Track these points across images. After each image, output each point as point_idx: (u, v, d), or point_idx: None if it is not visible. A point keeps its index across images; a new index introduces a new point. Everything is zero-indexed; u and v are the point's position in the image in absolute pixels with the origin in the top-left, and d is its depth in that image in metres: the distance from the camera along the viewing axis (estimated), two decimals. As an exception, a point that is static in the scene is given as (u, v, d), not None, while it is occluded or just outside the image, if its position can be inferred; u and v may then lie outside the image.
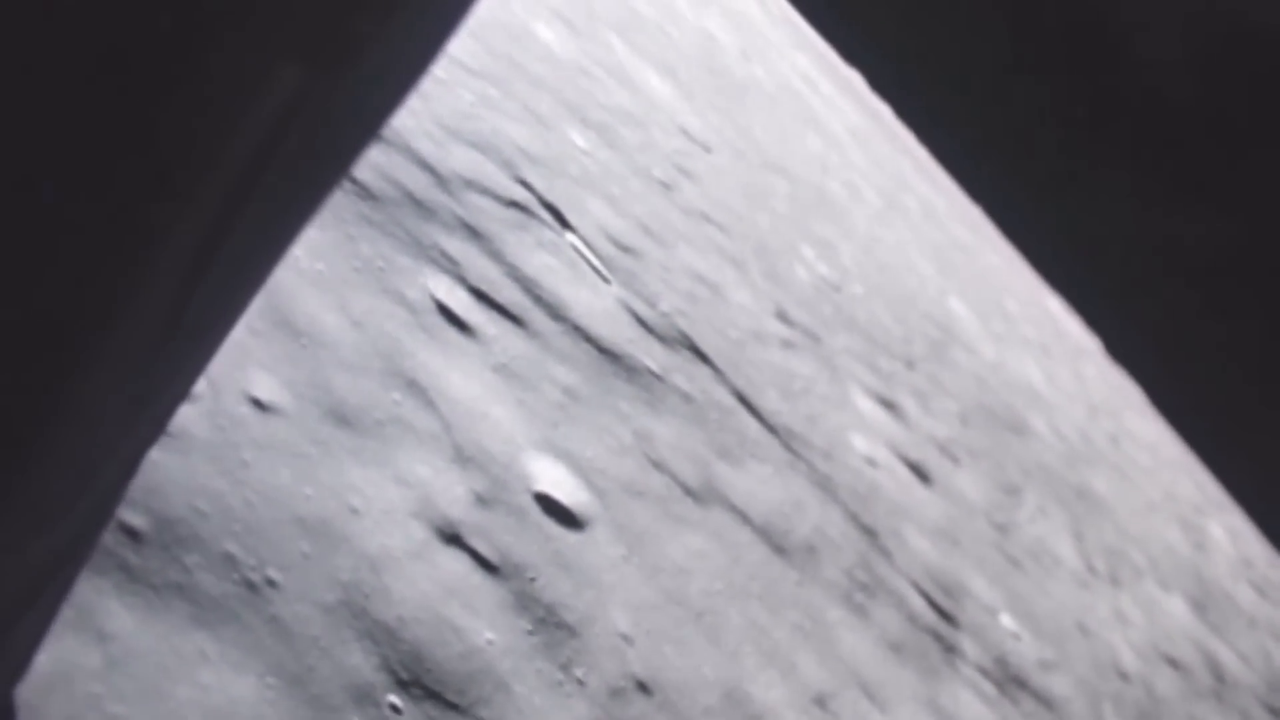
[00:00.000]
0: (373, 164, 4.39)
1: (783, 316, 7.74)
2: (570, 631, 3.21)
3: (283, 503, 2.68)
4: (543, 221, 5.39)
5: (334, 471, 2.90)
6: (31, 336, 1.06)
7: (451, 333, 3.91)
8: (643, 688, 3.30)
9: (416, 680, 2.62)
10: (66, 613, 2.05)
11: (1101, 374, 32.83)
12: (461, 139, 5.36)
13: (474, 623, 2.92)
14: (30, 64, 0.90)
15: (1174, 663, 9.97)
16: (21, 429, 1.13)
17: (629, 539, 3.82)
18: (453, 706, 2.68)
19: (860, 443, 7.07)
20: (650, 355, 5.21)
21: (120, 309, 1.09)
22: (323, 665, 2.44)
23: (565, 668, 3.09)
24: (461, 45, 6.47)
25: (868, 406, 7.90)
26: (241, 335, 2.98)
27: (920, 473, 7.75)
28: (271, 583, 2.48)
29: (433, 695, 2.64)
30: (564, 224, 5.62)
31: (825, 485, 5.91)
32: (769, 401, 6.14)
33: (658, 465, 4.40)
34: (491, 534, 3.23)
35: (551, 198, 5.74)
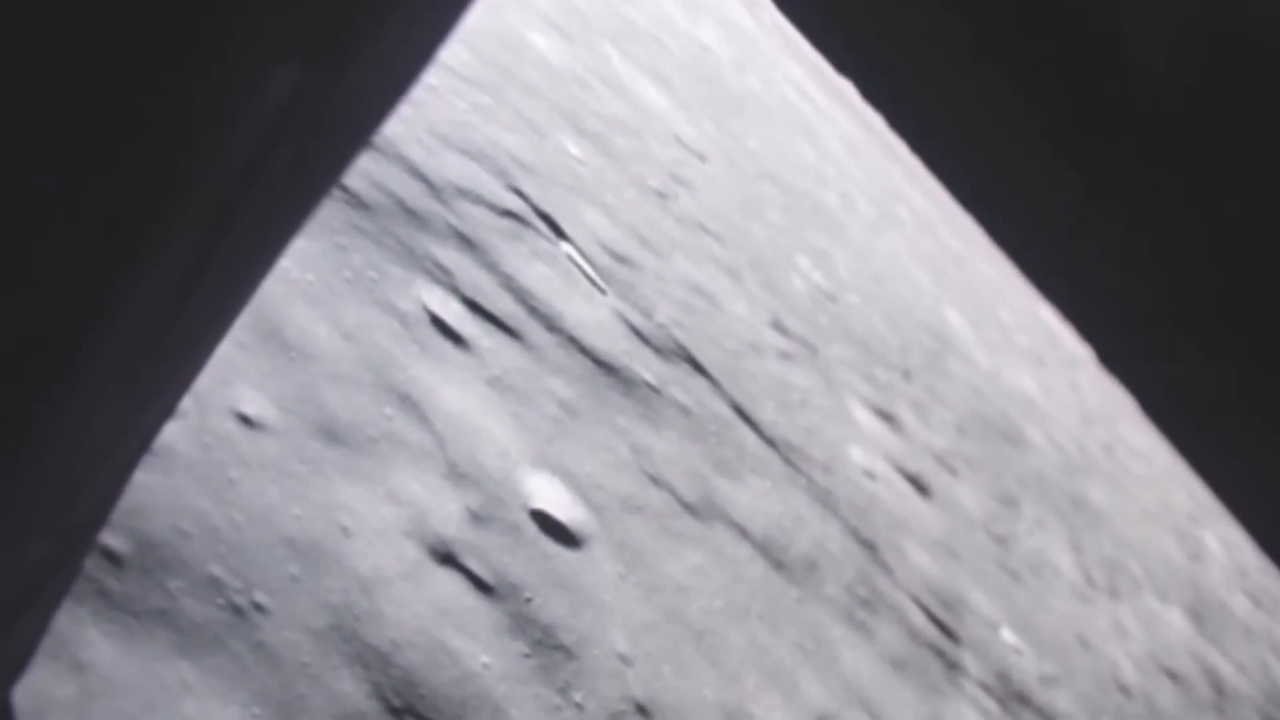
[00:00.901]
0: (364, 172, 4.30)
1: (779, 327, 7.65)
2: (568, 653, 3.12)
3: (270, 523, 2.59)
4: (537, 231, 5.30)
5: (324, 490, 2.80)
6: (29, 341, 1.05)
7: (445, 345, 3.81)
8: (642, 711, 3.21)
9: (410, 708, 2.52)
10: (41, 643, 1.95)
11: (1095, 383, 32.79)
12: (455, 147, 5.28)
13: (469, 645, 2.82)
14: (29, 64, 0.90)
15: (1174, 675, 9.89)
16: (19, 433, 1.12)
17: (627, 557, 3.72)
18: (447, 734, 2.58)
19: (858, 455, 6.98)
20: (647, 367, 5.12)
21: (118, 312, 1.09)
22: (312, 693, 2.35)
23: (563, 691, 3.00)
24: (454, 53, 6.38)
25: (865, 418, 7.82)
26: (228, 349, 2.88)
27: (919, 485, 7.67)
28: (259, 607, 2.39)
29: (426, 723, 2.55)
30: (559, 234, 5.53)
31: (824, 499, 5.82)
32: (767, 414, 6.05)
33: (656, 480, 4.30)
34: (486, 553, 3.13)
35: (546, 207, 5.65)
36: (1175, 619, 12.22)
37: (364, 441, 3.06)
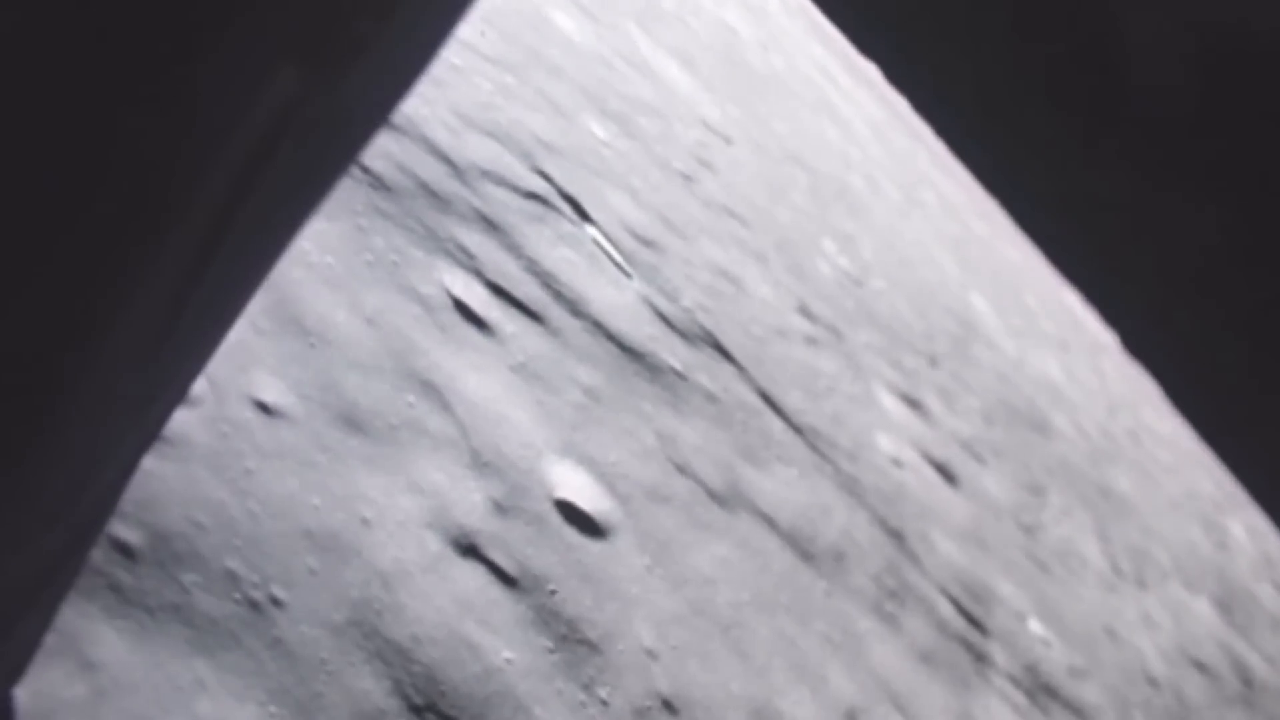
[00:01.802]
0: (386, 153, 4.22)
1: (805, 312, 7.55)
2: (593, 648, 3.04)
3: (289, 514, 2.51)
4: (562, 214, 5.21)
5: (344, 480, 2.72)
6: (32, 338, 1.05)
7: (468, 330, 3.73)
8: (669, 707, 3.13)
9: (431, 705, 2.45)
10: (49, 640, 1.88)
11: (1119, 369, 32.55)
12: (478, 128, 5.18)
13: (492, 640, 2.74)
14: (28, 64, 0.89)
15: (1202, 667, 9.77)
16: (22, 430, 1.12)
17: (653, 548, 3.64)
18: (469, 733, 2.50)
19: (885, 442, 6.88)
20: (673, 353, 5.03)
21: (120, 309, 1.08)
22: (331, 691, 2.27)
23: (588, 687, 2.92)
24: (478, 33, 6.28)
25: (892, 405, 7.71)
26: (246, 335, 2.80)
27: (946, 473, 7.56)
28: (276, 601, 2.31)
29: (448, 721, 2.47)
30: (584, 216, 5.44)
31: (851, 487, 5.73)
32: (793, 400, 5.96)
33: (682, 469, 4.22)
34: (510, 544, 3.05)
35: (571, 189, 5.56)
36: (1203, 609, 12.08)
37: (385, 430, 2.98)
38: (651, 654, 3.23)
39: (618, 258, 5.34)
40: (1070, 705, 6.18)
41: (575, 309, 4.51)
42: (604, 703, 2.92)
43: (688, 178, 7.66)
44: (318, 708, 2.21)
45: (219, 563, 2.26)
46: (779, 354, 6.37)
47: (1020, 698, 5.59)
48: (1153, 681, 8.03)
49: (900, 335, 9.64)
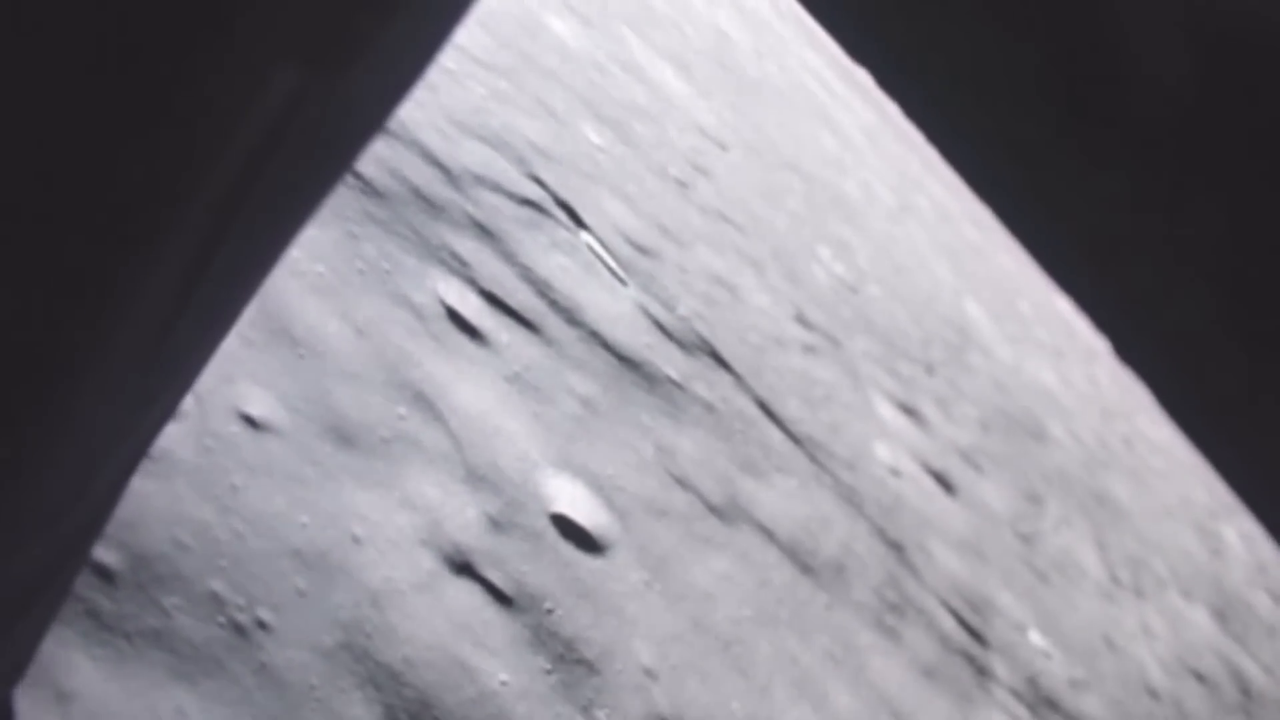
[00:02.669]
0: (378, 158, 4.12)
1: (802, 319, 7.47)
2: (590, 668, 2.94)
3: (276, 533, 2.42)
4: (557, 220, 5.12)
5: (334, 496, 2.63)
6: (28, 339, 1.04)
7: (462, 340, 3.64)
8: (669, 729, 3.04)
9: (424, 732, 2.35)
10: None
11: (1112, 376, 32.52)
12: (472, 133, 5.10)
13: (487, 662, 2.65)
14: (27, 64, 0.89)
15: (1201, 677, 9.69)
16: (18, 431, 1.11)
17: (652, 563, 3.55)
18: (464, 760, 2.41)
19: (883, 452, 6.80)
20: (670, 362, 4.94)
21: (118, 312, 1.08)
22: (320, 718, 2.18)
23: (586, 709, 2.82)
24: (472, 37, 6.20)
25: (890, 414, 7.63)
26: (232, 345, 2.71)
27: (944, 482, 7.48)
28: (262, 625, 2.22)
29: (442, 748, 2.38)
30: (579, 223, 5.35)
31: (850, 498, 5.64)
32: (791, 410, 5.87)
33: (680, 482, 4.12)
34: (505, 561, 2.96)
35: (566, 195, 5.47)
36: (1200, 618, 12.01)
37: (376, 443, 2.89)
38: (650, 673, 3.14)
39: (613, 265, 5.26)
40: (1072, 718, 6.10)
41: (571, 317, 4.42)
42: (602, 725, 2.83)
43: (683, 184, 7.57)
44: (306, 736, 2.12)
45: (202, 585, 2.17)
46: (776, 362, 6.29)
47: (1022, 711, 5.51)
48: (1153, 693, 7.95)
49: (896, 343, 9.56)
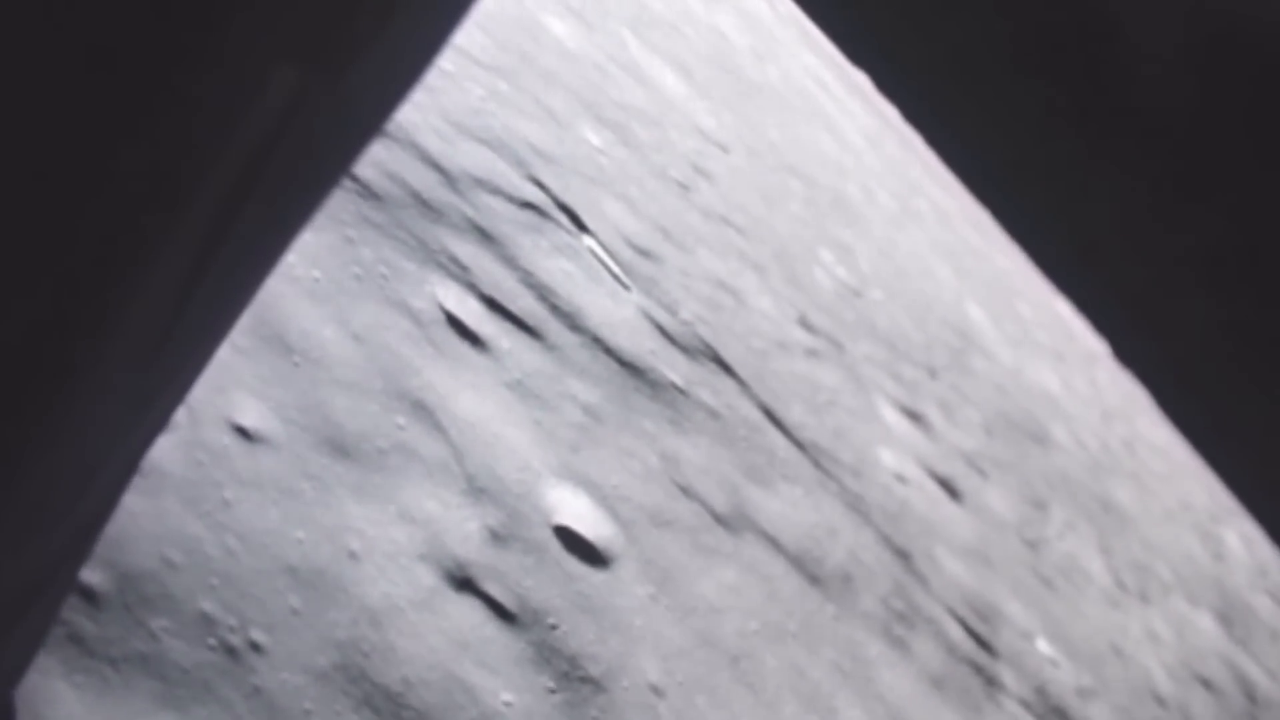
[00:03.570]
0: (376, 161, 4.03)
1: (805, 323, 7.38)
2: (596, 686, 2.85)
3: (270, 549, 2.32)
4: (558, 224, 5.03)
5: (330, 510, 2.54)
6: (29, 340, 1.04)
7: (462, 347, 3.54)
8: (677, 748, 2.94)
9: (424, 757, 2.26)
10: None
11: (1112, 379, 32.45)
12: (471, 135, 5.00)
13: (489, 681, 2.56)
14: (26, 65, 0.88)
15: (1207, 683, 9.60)
16: (20, 431, 1.11)
17: (657, 576, 3.46)
18: (466, 786, 2.32)
19: (888, 458, 6.71)
20: (673, 368, 4.85)
21: (118, 312, 1.07)
22: (314, 745, 2.08)
23: (591, 730, 2.73)
24: (470, 38, 6.11)
25: (894, 419, 7.54)
26: (225, 354, 2.62)
27: (949, 488, 7.39)
28: (255, 646, 2.12)
29: (443, 773, 2.29)
30: (580, 226, 5.26)
31: (856, 505, 5.55)
32: (795, 415, 5.78)
33: (685, 491, 4.03)
34: (507, 576, 2.87)
35: (567, 198, 5.38)
36: (1205, 623, 11.92)
37: (374, 454, 2.80)
38: (657, 690, 3.04)
39: (616, 269, 5.16)
40: (1080, 728, 6.00)
41: (573, 323, 4.33)
42: (608, 746, 2.74)
43: (685, 187, 7.48)
44: (300, 764, 2.03)
45: (192, 605, 2.07)
46: (780, 367, 6.20)
47: (1031, 722, 5.42)
48: (1160, 700, 7.86)
49: (899, 347, 9.48)
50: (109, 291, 1.05)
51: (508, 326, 3.88)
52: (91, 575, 1.94)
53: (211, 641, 2.05)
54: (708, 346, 5.44)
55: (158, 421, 1.39)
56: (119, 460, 1.36)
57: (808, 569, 4.45)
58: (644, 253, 5.73)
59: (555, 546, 3.13)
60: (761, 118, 12.41)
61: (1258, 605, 17.66)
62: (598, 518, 3.39)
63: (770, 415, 5.45)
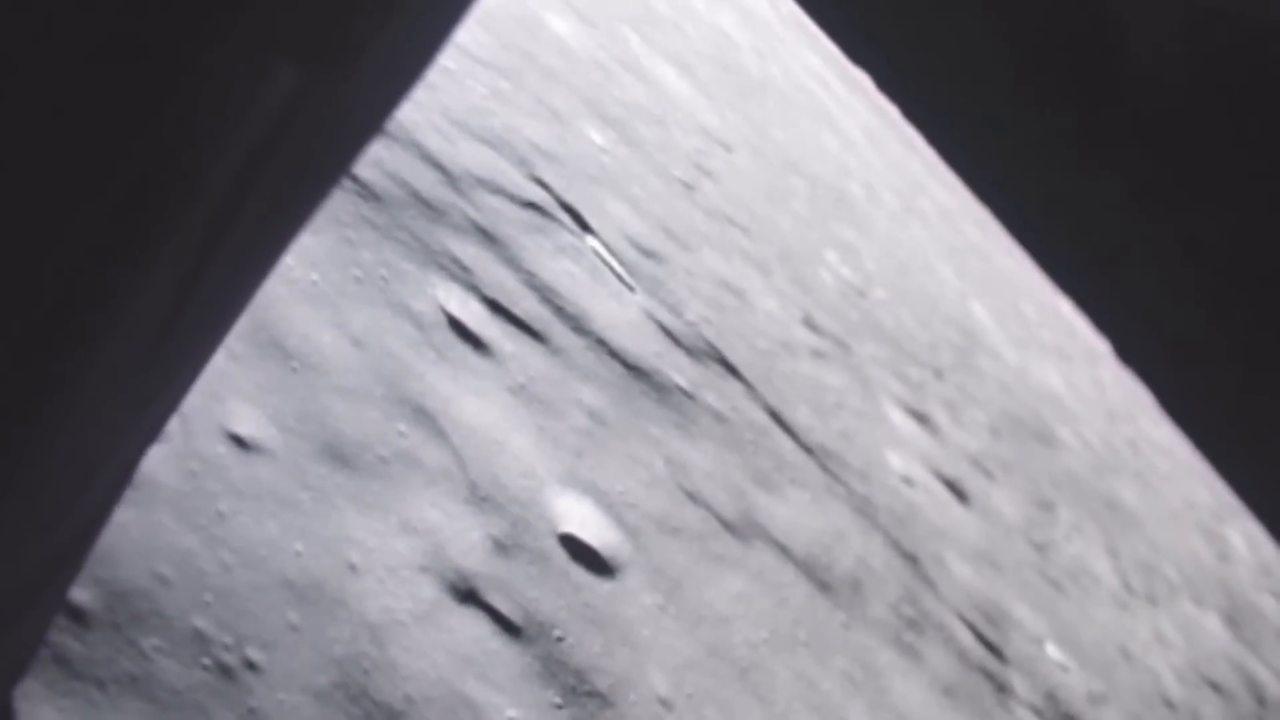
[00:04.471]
0: (376, 160, 3.95)
1: (810, 324, 7.29)
2: (604, 701, 2.77)
3: (266, 563, 2.24)
4: (561, 224, 4.94)
5: (329, 521, 2.45)
6: (29, 339, 1.03)
7: (464, 351, 3.46)
8: (686, 764, 2.86)
9: (427, 779, 2.18)
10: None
11: (1115, 377, 32.36)
12: (472, 134, 4.92)
13: (494, 697, 2.48)
14: (25, 64, 0.88)
15: (1216, 687, 9.52)
16: (19, 431, 1.10)
17: (665, 585, 3.37)
18: (470, 808, 2.24)
19: (896, 460, 6.62)
20: (679, 371, 4.76)
21: (118, 311, 1.07)
22: (313, 768, 2.00)
23: (599, 746, 2.65)
24: (472, 35, 6.02)
25: (900, 420, 7.46)
26: (220, 360, 2.53)
27: (957, 490, 7.31)
28: (251, 665, 2.04)
29: (446, 796, 2.21)
30: (584, 227, 5.18)
31: (864, 509, 5.46)
32: (802, 418, 5.69)
33: (693, 497, 3.95)
34: (512, 587, 2.79)
35: (570, 198, 5.29)
36: (1213, 625, 11.84)
37: (374, 463, 2.71)
38: (666, 704, 2.96)
39: (620, 270, 5.08)
40: (1091, 734, 5.92)
41: (577, 325, 4.24)
42: (617, 763, 2.66)
43: (688, 186, 7.40)
44: (298, 789, 1.95)
45: (185, 623, 1.99)
46: (786, 369, 6.11)
47: (1043, 729, 5.33)
48: (1170, 704, 7.78)
49: (905, 347, 9.39)
50: (110, 290, 1.04)
51: (511, 329, 3.80)
52: (79, 593, 1.86)
53: (205, 661, 1.97)
54: (713, 348, 5.35)
55: (156, 423, 1.39)
56: (118, 461, 1.35)
57: (817, 575, 4.37)
58: (648, 253, 5.65)
59: (561, 556, 3.05)
60: (764, 116, 12.32)
61: (1263, 606, 17.58)
62: (604, 525, 3.31)
63: (777, 418, 5.37)
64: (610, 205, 5.73)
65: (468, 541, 2.77)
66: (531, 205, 4.83)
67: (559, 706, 2.63)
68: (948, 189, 32.72)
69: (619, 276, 5.03)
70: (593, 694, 2.75)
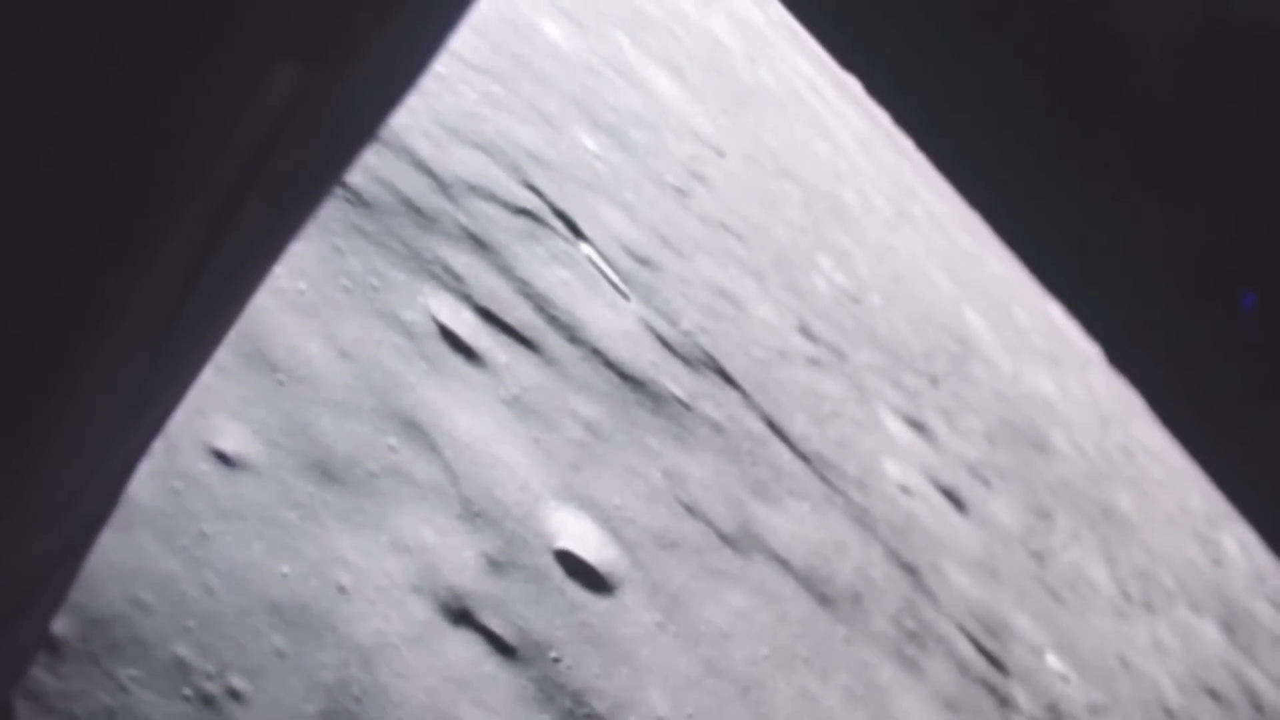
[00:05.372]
0: (365, 166, 3.86)
1: (806, 331, 7.21)
2: (602, 724, 2.68)
3: (251, 586, 2.15)
4: (554, 231, 4.86)
5: (317, 541, 2.36)
6: (28, 338, 1.03)
7: (456, 361, 3.37)
8: (688, 788, 2.77)
9: (419, 811, 2.09)
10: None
11: (1107, 383, 32.35)
12: (464, 139, 4.83)
13: (488, 723, 2.39)
14: (24, 64, 0.87)
15: (1214, 695, 9.45)
16: (19, 430, 1.10)
17: (664, 602, 3.28)
18: (465, 840, 2.15)
19: (893, 469, 6.54)
20: (675, 380, 4.68)
21: (118, 311, 1.07)
22: (300, 802, 1.91)
23: (598, 772, 2.56)
24: (463, 40, 5.94)
25: (897, 428, 7.38)
26: (204, 373, 2.44)
27: (954, 499, 7.23)
28: (235, 694, 1.95)
29: (440, 828, 2.12)
30: (577, 234, 5.09)
31: (863, 520, 5.38)
32: (799, 427, 5.61)
33: (691, 510, 3.86)
34: (507, 607, 2.70)
35: (563, 205, 5.21)
36: (1209, 632, 11.77)
37: (364, 479, 2.62)
38: (666, 726, 2.87)
39: (614, 278, 4.99)
40: (1093, 746, 5.84)
41: (572, 335, 4.15)
42: (616, 789, 2.57)
43: (682, 192, 7.32)
44: (284, 825, 1.85)
45: (165, 651, 1.90)
46: (782, 377, 6.03)
47: (1045, 743, 5.25)
48: (1170, 714, 7.70)
49: (900, 354, 9.32)
50: (107, 293, 1.04)
51: (504, 339, 3.71)
52: (54, 622, 1.76)
53: (186, 691, 1.88)
54: (709, 357, 5.27)
55: (155, 424, 1.38)
56: (116, 462, 1.33)
57: (817, 588, 4.28)
58: (643, 260, 5.56)
59: (557, 573, 2.96)
60: (756, 121, 12.26)
61: (1258, 611, 17.52)
62: (601, 541, 3.22)
63: (774, 428, 5.28)
64: (604, 211, 5.65)
65: (461, 560, 2.68)
66: (524, 212, 4.74)
67: (556, 731, 2.54)
68: (938, 194, 32.70)
69: (613, 284, 4.94)
70: (591, 716, 2.66)
